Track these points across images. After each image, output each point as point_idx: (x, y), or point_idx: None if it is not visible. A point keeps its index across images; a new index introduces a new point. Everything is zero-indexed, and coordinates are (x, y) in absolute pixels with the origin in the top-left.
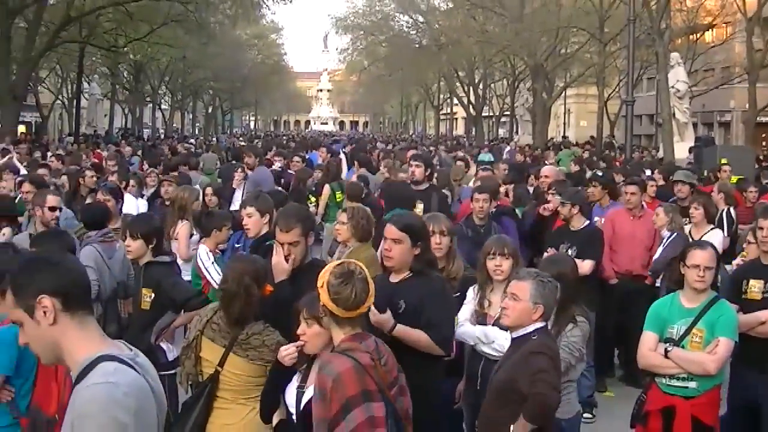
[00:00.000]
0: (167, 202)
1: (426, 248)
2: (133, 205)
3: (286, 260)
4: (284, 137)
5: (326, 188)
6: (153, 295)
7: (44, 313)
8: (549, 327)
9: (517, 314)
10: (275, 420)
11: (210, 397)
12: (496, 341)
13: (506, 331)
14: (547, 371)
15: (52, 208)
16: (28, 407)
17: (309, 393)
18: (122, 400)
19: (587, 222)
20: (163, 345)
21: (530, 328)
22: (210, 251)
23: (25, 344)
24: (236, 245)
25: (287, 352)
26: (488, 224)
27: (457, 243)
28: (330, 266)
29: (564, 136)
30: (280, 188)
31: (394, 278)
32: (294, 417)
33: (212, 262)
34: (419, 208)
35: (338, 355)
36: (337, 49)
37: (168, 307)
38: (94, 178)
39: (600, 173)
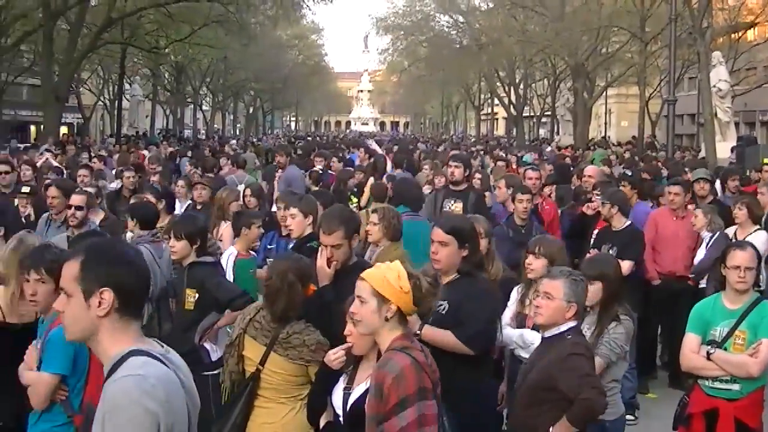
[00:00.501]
0: (198, 206)
1: (474, 250)
2: (177, 207)
3: (329, 263)
4: (324, 138)
5: (371, 180)
6: (197, 295)
7: (100, 304)
8: (592, 327)
9: (551, 313)
10: (322, 422)
11: (251, 396)
12: (533, 345)
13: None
14: (592, 375)
15: (71, 206)
16: (81, 404)
17: (356, 394)
18: (150, 390)
19: (628, 222)
20: (207, 345)
21: (563, 327)
22: (238, 255)
23: (57, 311)
24: (269, 246)
25: (336, 356)
26: (529, 224)
27: (497, 244)
28: (397, 268)
29: (604, 137)
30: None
31: (442, 280)
32: (341, 418)
33: (230, 269)
34: (458, 208)
35: (397, 353)
36: (377, 50)
37: (212, 308)
38: (132, 179)
39: (629, 172)
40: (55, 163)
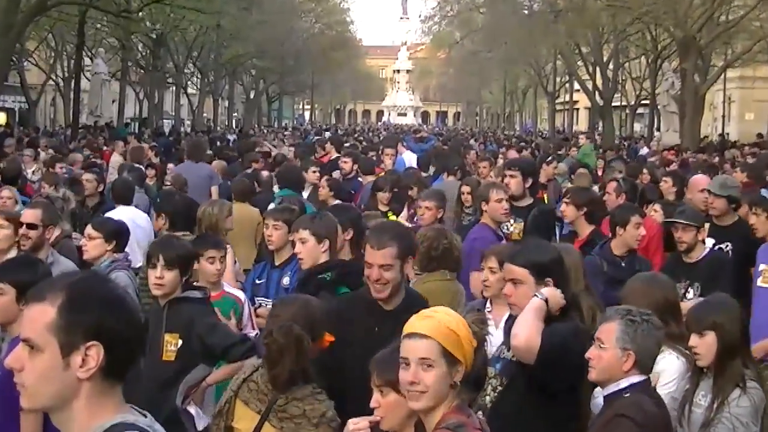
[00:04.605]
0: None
1: (560, 283)
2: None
3: (377, 285)
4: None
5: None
6: (180, 342)
7: (83, 362)
8: (708, 395)
9: (604, 365)
10: None
11: None
12: None
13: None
14: None
15: (22, 224)
16: None
17: None
18: None
19: (707, 249)
20: (192, 409)
21: (623, 383)
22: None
23: (17, 369)
24: (257, 281)
25: (356, 427)
26: (632, 257)
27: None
28: (460, 318)
29: (722, 134)
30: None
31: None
32: None
33: None
34: (518, 229)
35: None
36: (419, 17)
37: (199, 358)
38: (95, 182)
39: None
40: None
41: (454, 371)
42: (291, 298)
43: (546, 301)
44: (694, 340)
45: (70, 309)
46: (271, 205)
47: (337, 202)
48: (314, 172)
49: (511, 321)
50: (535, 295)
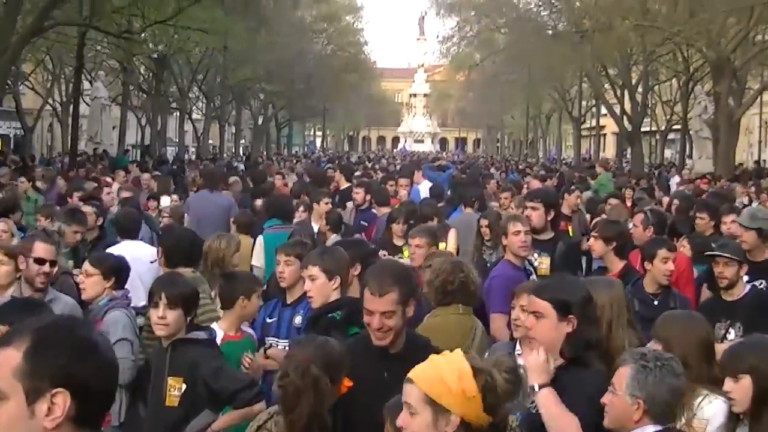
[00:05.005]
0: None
1: (585, 325)
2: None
3: (379, 333)
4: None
5: (452, 232)
6: (184, 386)
7: (49, 410)
8: None
9: (616, 413)
10: None
11: None
12: None
13: None
14: None
15: (40, 260)
16: None
17: None
18: None
19: (748, 286)
20: None
21: None
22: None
23: None
24: (268, 320)
25: None
26: (666, 294)
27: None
28: (457, 365)
29: (758, 161)
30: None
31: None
32: None
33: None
34: (544, 264)
35: None
36: (437, 37)
37: (204, 404)
38: (94, 216)
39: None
40: None
41: (443, 421)
42: (308, 338)
43: (547, 384)
44: (728, 384)
45: (35, 354)
46: (260, 238)
47: (335, 235)
48: (327, 203)
49: None
50: (532, 389)
